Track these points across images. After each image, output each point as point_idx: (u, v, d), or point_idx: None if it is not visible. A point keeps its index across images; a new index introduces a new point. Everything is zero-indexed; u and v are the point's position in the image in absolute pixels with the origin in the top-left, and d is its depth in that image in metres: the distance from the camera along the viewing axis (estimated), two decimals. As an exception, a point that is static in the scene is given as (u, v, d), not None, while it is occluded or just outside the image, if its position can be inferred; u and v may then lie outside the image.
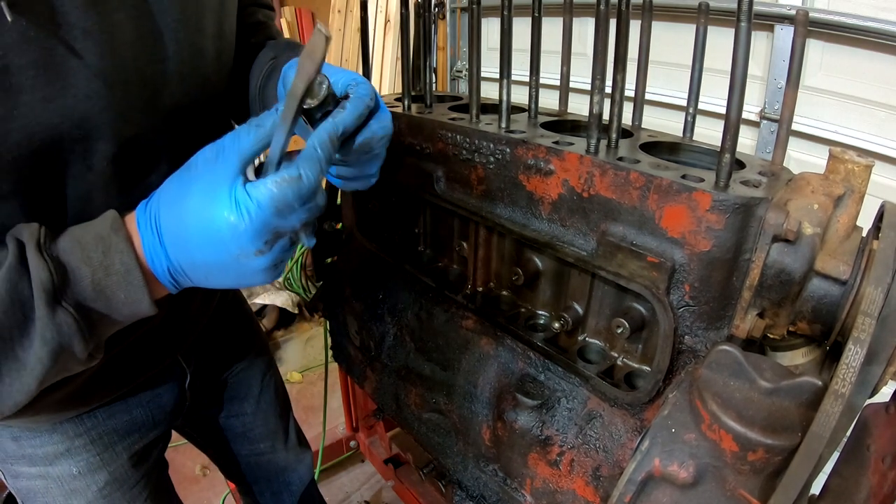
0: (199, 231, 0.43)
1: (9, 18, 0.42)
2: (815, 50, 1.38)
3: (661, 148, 0.73)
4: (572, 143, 0.67)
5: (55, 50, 0.46)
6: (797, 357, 0.58)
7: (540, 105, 0.85)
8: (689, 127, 0.78)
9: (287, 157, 0.46)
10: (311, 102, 0.48)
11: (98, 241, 0.45)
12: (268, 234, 0.43)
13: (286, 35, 2.36)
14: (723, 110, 0.54)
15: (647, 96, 0.84)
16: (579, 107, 0.88)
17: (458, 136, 0.78)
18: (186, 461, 1.93)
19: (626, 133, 0.76)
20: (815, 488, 0.51)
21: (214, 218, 0.42)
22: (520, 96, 0.81)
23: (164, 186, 0.47)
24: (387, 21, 2.46)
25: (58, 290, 0.43)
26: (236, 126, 0.67)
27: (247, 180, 0.44)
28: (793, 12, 1.32)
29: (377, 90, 0.70)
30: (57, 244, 0.45)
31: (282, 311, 2.76)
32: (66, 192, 0.54)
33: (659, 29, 1.36)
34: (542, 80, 0.83)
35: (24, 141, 0.47)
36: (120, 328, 0.49)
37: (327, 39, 0.40)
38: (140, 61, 0.55)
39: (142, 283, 0.45)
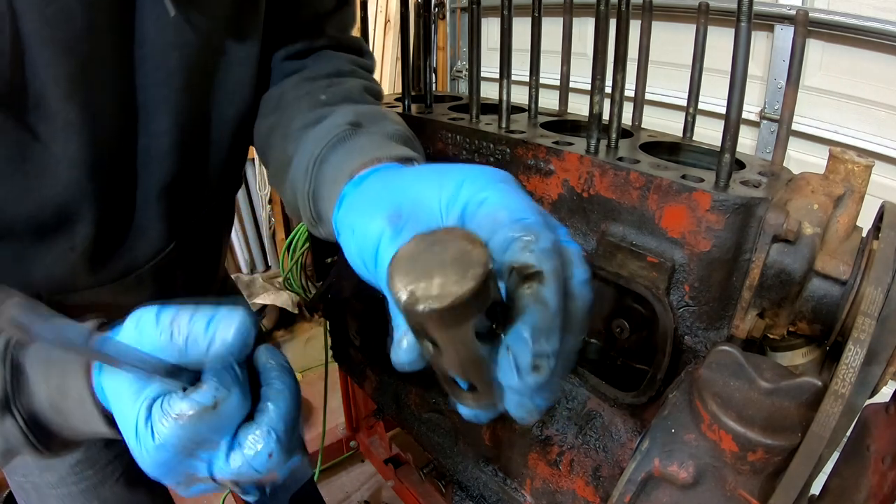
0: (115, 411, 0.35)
1: None
2: (815, 50, 1.38)
3: (661, 148, 0.73)
4: (572, 143, 0.67)
5: (33, 143, 0.44)
6: (797, 357, 0.58)
7: (540, 105, 0.85)
8: (689, 127, 0.78)
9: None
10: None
11: (60, 362, 0.39)
12: (179, 476, 0.34)
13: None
14: (723, 110, 0.54)
15: (647, 96, 0.84)
16: (579, 107, 0.87)
17: (458, 137, 0.78)
18: (186, 461, 1.93)
19: (626, 133, 0.76)
20: (815, 488, 0.51)
21: (125, 419, 0.33)
22: (520, 96, 0.81)
23: (126, 323, 0.36)
24: (387, 21, 2.46)
25: (11, 398, 0.38)
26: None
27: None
28: (793, 12, 1.32)
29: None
30: (27, 349, 0.40)
31: (282, 311, 2.76)
32: (49, 272, 0.51)
33: (659, 29, 1.36)
34: (542, 80, 0.83)
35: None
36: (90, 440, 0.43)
37: None
38: (128, 140, 0.50)
39: (96, 412, 0.38)
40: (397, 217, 0.35)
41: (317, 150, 0.50)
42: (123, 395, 0.33)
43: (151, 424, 0.31)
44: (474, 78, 0.77)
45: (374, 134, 0.51)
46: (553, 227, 0.32)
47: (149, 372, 0.31)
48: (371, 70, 0.71)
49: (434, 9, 1.03)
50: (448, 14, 2.36)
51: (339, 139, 0.50)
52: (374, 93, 0.65)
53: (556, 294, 0.29)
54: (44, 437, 0.41)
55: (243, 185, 2.66)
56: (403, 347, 0.32)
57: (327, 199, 0.47)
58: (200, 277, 0.74)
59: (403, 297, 0.24)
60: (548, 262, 0.29)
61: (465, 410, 0.32)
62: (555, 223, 0.34)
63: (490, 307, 0.26)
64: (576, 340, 0.32)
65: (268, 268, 3.02)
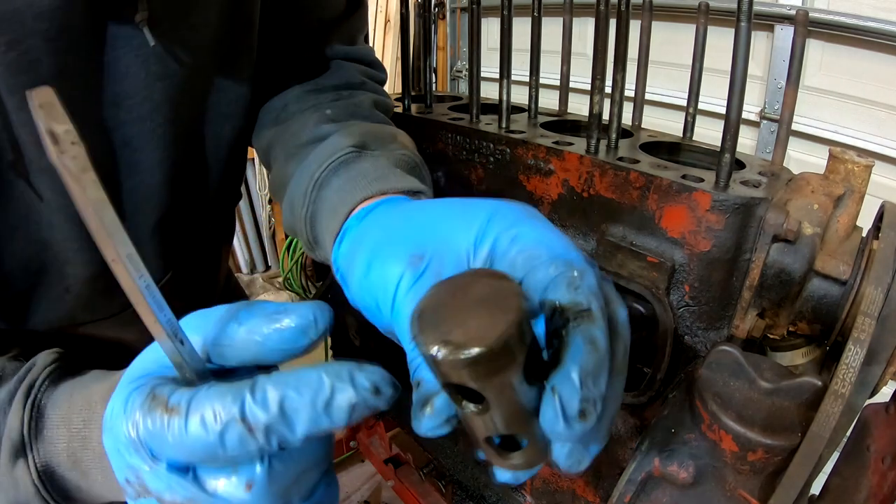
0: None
1: None
2: (815, 50, 1.38)
3: (661, 148, 0.73)
4: (572, 143, 0.67)
5: (16, 184, 0.43)
6: (797, 357, 0.58)
7: (540, 105, 0.85)
8: (689, 127, 0.78)
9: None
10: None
11: (85, 406, 0.35)
12: (128, 474, 0.28)
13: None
14: (723, 110, 0.54)
15: (647, 96, 0.84)
16: (579, 107, 0.88)
17: (458, 137, 0.78)
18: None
19: (626, 133, 0.76)
20: (815, 488, 0.51)
21: (109, 424, 0.29)
22: (520, 96, 0.81)
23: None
24: (387, 21, 2.47)
25: (28, 443, 0.35)
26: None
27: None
28: (793, 12, 1.32)
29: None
30: (56, 390, 0.37)
31: (282, 311, 2.76)
32: (46, 312, 0.49)
33: (659, 29, 1.36)
34: (542, 80, 0.83)
35: None
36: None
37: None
38: (113, 180, 0.48)
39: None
40: (419, 258, 0.33)
41: (317, 171, 0.47)
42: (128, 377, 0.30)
43: (132, 391, 0.28)
44: (474, 78, 0.77)
45: (379, 158, 0.48)
46: (592, 264, 0.31)
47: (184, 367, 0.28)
48: (382, 82, 0.67)
49: (434, 9, 1.02)
50: (448, 14, 2.36)
51: (341, 162, 0.47)
52: (385, 107, 0.63)
53: (605, 334, 0.27)
54: (58, 495, 0.37)
55: (243, 185, 2.66)
56: (428, 413, 0.28)
57: (326, 228, 0.45)
58: (201, 290, 0.73)
59: (439, 350, 0.20)
60: (596, 301, 0.27)
61: (506, 474, 0.28)
62: (590, 259, 0.31)
63: (529, 348, 0.24)
64: (621, 382, 0.30)
65: (268, 268, 3.03)
